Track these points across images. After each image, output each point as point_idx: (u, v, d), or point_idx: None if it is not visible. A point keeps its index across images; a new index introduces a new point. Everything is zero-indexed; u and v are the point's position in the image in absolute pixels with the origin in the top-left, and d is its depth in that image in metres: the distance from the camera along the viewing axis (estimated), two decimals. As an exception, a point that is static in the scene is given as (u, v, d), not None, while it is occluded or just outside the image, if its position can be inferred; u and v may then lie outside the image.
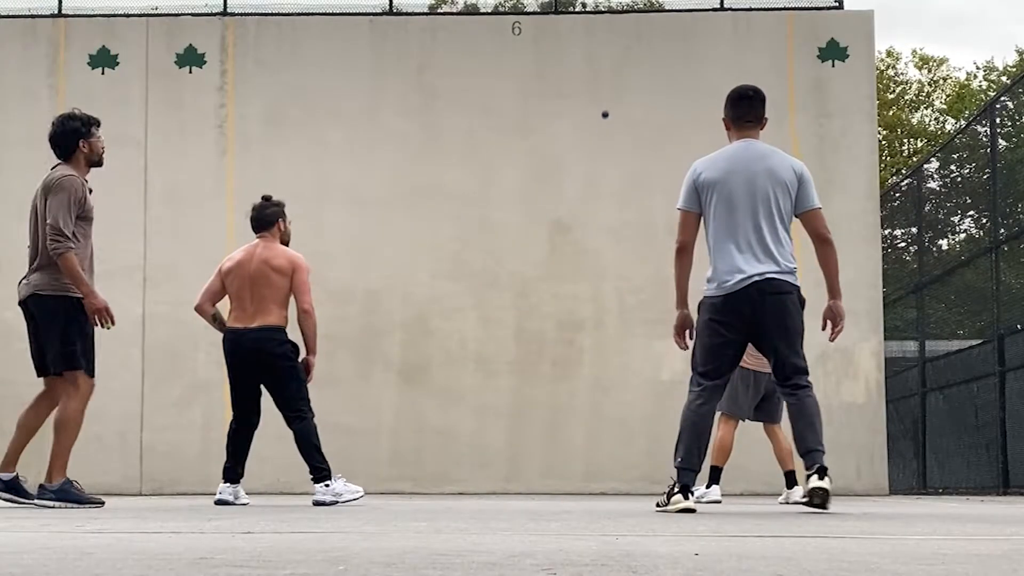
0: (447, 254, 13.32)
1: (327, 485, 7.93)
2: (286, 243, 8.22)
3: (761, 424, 9.37)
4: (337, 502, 7.79)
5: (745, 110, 6.58)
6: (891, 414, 15.31)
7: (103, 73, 13.58)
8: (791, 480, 9.04)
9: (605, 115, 11.29)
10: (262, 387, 8.11)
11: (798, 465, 9.10)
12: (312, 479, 7.99)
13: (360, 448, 13.12)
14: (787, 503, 8.69)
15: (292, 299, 8.06)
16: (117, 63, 13.58)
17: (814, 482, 6.18)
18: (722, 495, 9.09)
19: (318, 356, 13.52)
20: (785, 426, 9.21)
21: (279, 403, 8.06)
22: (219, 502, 7.85)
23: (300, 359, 8.06)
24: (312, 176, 13.43)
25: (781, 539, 3.83)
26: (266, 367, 7.95)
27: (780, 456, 9.09)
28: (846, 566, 2.85)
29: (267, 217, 8.16)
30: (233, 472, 8.07)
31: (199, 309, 8.24)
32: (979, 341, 16.51)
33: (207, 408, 12.91)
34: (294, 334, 8.09)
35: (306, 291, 7.97)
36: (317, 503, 7.78)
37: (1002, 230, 15.13)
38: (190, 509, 6.89)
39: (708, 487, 9.02)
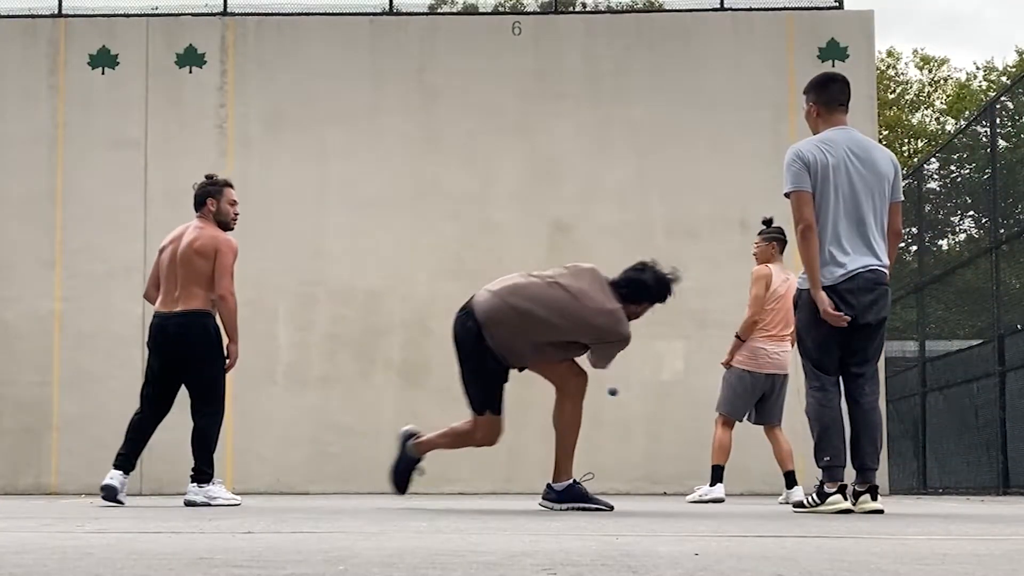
0: (447, 254, 13.32)
1: (201, 486, 7.65)
2: (224, 224, 7.89)
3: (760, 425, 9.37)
4: (209, 504, 7.48)
5: (838, 92, 6.48)
6: (891, 414, 15.31)
7: (103, 73, 13.58)
8: (791, 480, 9.04)
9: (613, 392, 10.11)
10: (183, 378, 7.83)
11: (798, 466, 9.15)
12: (191, 478, 7.72)
13: (360, 448, 13.13)
14: (787, 503, 8.69)
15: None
16: (117, 63, 13.58)
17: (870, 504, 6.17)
18: (725, 494, 9.10)
19: (319, 355, 13.55)
20: (785, 427, 9.25)
21: (192, 391, 7.80)
22: (107, 487, 7.48)
23: (233, 352, 7.78)
24: (312, 176, 13.43)
25: (781, 539, 3.83)
26: (187, 353, 7.69)
27: (780, 457, 9.09)
28: (846, 566, 2.85)
29: (198, 197, 7.91)
30: (127, 461, 7.70)
31: (146, 297, 8.06)
32: (979, 341, 16.50)
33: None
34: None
35: (225, 274, 7.65)
36: (188, 503, 7.55)
37: (1002, 230, 15.12)
38: (190, 509, 6.89)
39: (712, 485, 9.04)
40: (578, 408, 6.76)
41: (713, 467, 9.09)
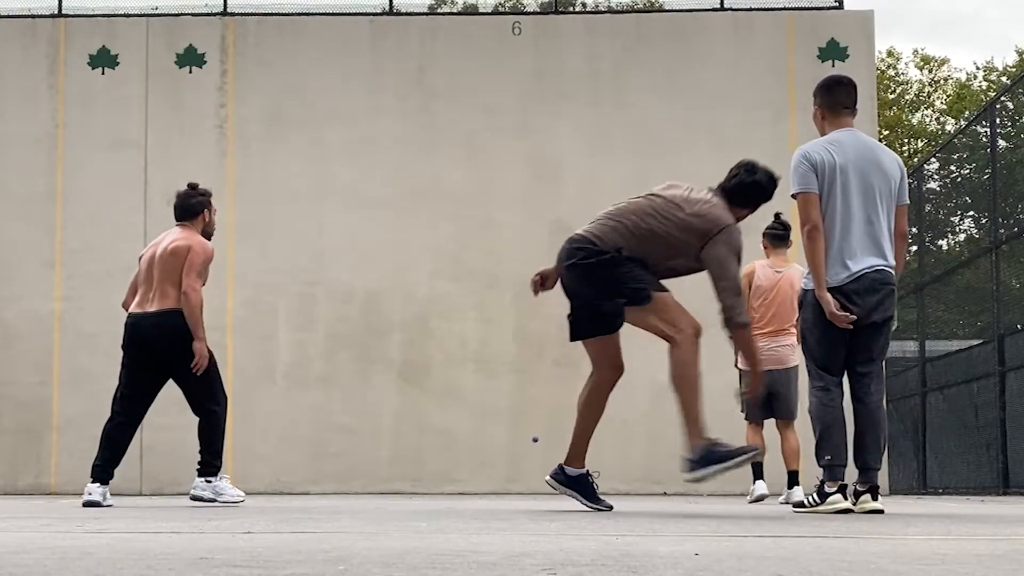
0: (447, 254, 13.32)
1: (209, 481, 7.64)
2: (210, 234, 8.00)
3: (772, 421, 9.39)
4: (216, 500, 7.48)
5: (843, 96, 6.47)
6: (891, 414, 15.31)
7: (103, 73, 13.58)
8: (793, 480, 9.04)
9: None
10: (161, 380, 7.83)
11: (801, 466, 9.15)
12: (197, 471, 7.71)
13: (360, 448, 13.13)
14: (787, 503, 8.69)
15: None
16: (117, 63, 13.58)
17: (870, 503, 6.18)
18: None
19: (319, 355, 13.53)
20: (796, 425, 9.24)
21: (185, 392, 7.80)
22: (89, 503, 7.40)
23: (200, 350, 7.70)
24: (312, 176, 13.43)
25: (781, 539, 3.83)
26: (166, 353, 7.69)
27: (785, 455, 9.09)
28: (846, 566, 2.84)
29: (192, 207, 7.96)
30: (105, 472, 7.61)
31: (123, 305, 8.05)
32: (979, 341, 16.51)
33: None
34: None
35: (191, 271, 7.67)
36: (195, 498, 7.55)
37: (1002, 230, 15.13)
38: (190, 509, 6.89)
39: (754, 483, 9.10)
40: (690, 359, 6.16)
41: (753, 465, 9.17)
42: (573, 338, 6.50)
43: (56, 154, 13.49)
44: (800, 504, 7.02)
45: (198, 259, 7.74)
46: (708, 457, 5.88)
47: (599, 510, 6.37)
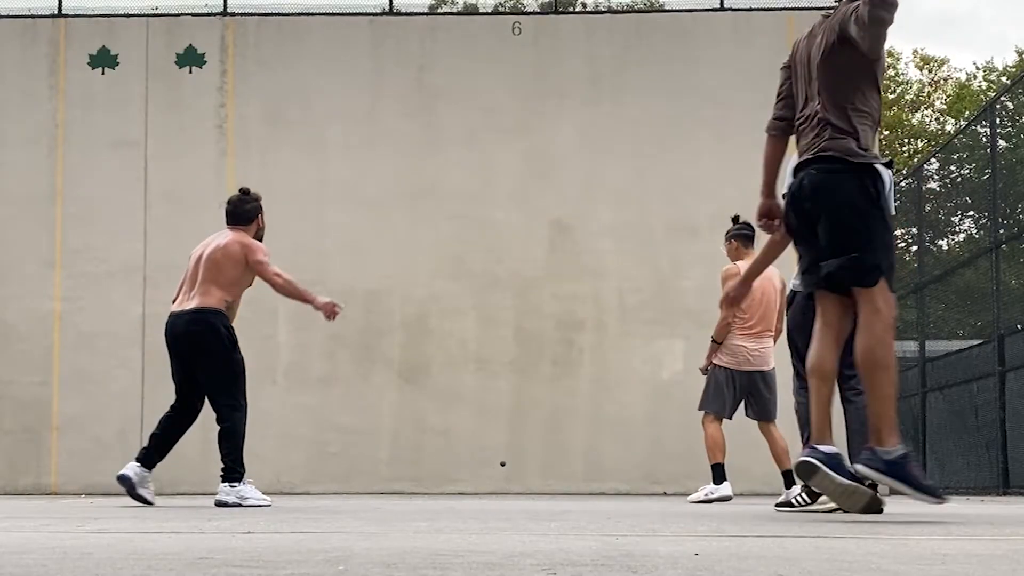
0: (447, 254, 13.32)
1: (233, 486, 7.59)
2: (260, 240, 8.04)
3: (756, 424, 9.38)
4: (240, 505, 7.43)
5: None
6: (891, 414, 15.30)
7: (103, 73, 13.58)
8: (789, 480, 9.03)
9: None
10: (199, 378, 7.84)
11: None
12: (221, 477, 7.67)
13: (360, 448, 13.13)
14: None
15: (257, 283, 7.89)
16: (117, 63, 13.59)
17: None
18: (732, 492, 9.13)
19: (319, 355, 13.48)
20: (781, 425, 9.25)
21: (208, 390, 7.79)
22: (122, 476, 7.50)
23: (323, 304, 7.83)
24: (312, 176, 13.43)
25: (781, 539, 3.82)
26: (198, 349, 7.68)
27: (776, 455, 9.08)
28: (846, 566, 2.84)
29: (246, 213, 7.98)
30: (148, 456, 7.70)
31: (173, 302, 8.10)
32: (979, 341, 16.51)
33: (207, 408, 12.90)
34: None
35: (265, 267, 7.76)
36: (219, 503, 7.49)
37: (1002, 230, 15.13)
38: (190, 509, 6.89)
39: (718, 484, 9.06)
40: (888, 339, 5.31)
41: (712, 466, 9.10)
42: (826, 286, 5.47)
43: (56, 154, 13.49)
44: (787, 504, 7.01)
45: (259, 252, 7.80)
46: (901, 470, 5.14)
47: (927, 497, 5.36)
